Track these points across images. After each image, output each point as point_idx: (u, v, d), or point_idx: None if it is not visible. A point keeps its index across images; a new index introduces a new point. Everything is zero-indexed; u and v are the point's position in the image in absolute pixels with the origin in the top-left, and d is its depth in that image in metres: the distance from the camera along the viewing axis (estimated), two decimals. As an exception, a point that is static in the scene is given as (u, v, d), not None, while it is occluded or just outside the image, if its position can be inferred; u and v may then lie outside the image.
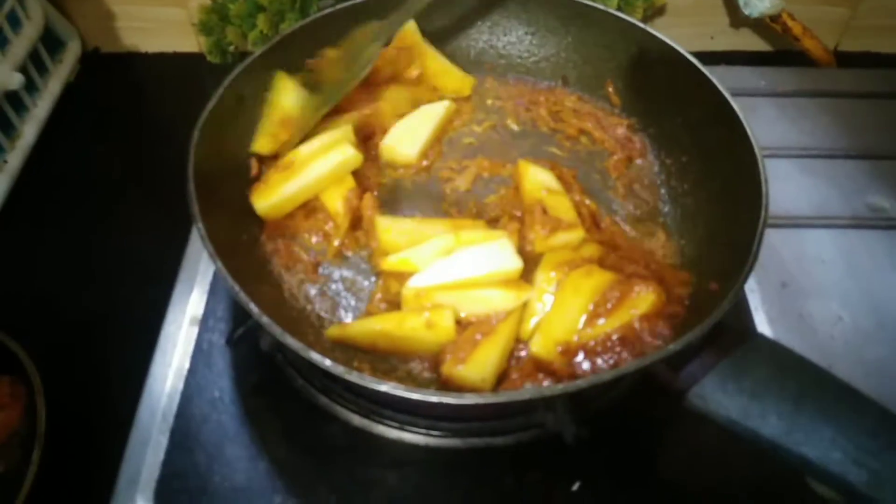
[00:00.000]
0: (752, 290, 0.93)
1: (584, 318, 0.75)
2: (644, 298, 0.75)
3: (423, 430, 0.79)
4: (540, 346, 0.74)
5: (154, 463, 0.78)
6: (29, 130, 1.12)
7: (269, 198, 0.85)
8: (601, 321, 0.74)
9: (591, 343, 0.74)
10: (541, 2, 1.00)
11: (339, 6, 0.96)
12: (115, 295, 0.96)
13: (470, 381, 0.71)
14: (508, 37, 1.04)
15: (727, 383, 0.64)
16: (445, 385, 0.73)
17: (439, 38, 1.03)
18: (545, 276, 0.79)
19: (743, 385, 0.63)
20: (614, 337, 0.74)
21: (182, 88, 1.26)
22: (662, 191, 0.93)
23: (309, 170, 0.85)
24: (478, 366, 0.71)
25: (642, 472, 0.80)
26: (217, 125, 0.82)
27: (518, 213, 0.86)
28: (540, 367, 0.74)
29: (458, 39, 1.05)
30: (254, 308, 0.66)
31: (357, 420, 0.80)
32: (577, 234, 0.82)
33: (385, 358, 0.77)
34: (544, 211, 0.83)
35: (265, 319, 0.65)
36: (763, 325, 0.90)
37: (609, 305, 0.75)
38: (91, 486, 0.79)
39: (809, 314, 0.92)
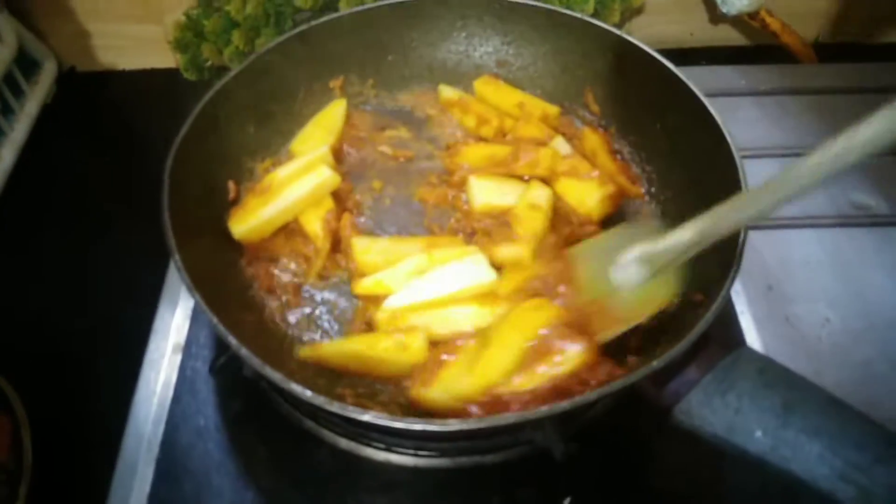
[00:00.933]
0: (738, 294, 0.92)
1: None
2: (569, 357, 0.69)
3: (411, 451, 0.78)
4: (437, 394, 0.70)
5: (141, 494, 0.77)
6: (7, 155, 1.10)
7: (247, 221, 0.84)
8: (517, 380, 0.68)
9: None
10: (516, 12, 0.99)
11: (314, 22, 0.95)
12: (99, 321, 0.95)
13: (440, 403, 0.70)
14: (485, 47, 1.03)
15: (712, 399, 0.63)
16: (415, 407, 0.72)
17: (413, 49, 1.02)
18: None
19: (728, 400, 0.63)
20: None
21: (161, 105, 1.25)
22: (646, 198, 0.92)
23: (287, 192, 0.84)
24: (444, 386, 0.70)
25: (633, 486, 0.79)
26: (192, 150, 0.81)
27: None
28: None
29: (433, 51, 1.03)
30: (233, 340, 0.65)
31: (344, 443, 0.79)
32: (516, 251, 0.81)
33: (368, 381, 0.77)
34: (507, 224, 0.83)
35: (244, 351, 0.65)
36: (749, 330, 0.89)
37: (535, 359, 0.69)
38: (79, 518, 0.78)
39: (796, 317, 0.92)
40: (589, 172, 0.90)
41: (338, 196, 0.89)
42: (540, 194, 0.88)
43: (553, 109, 0.98)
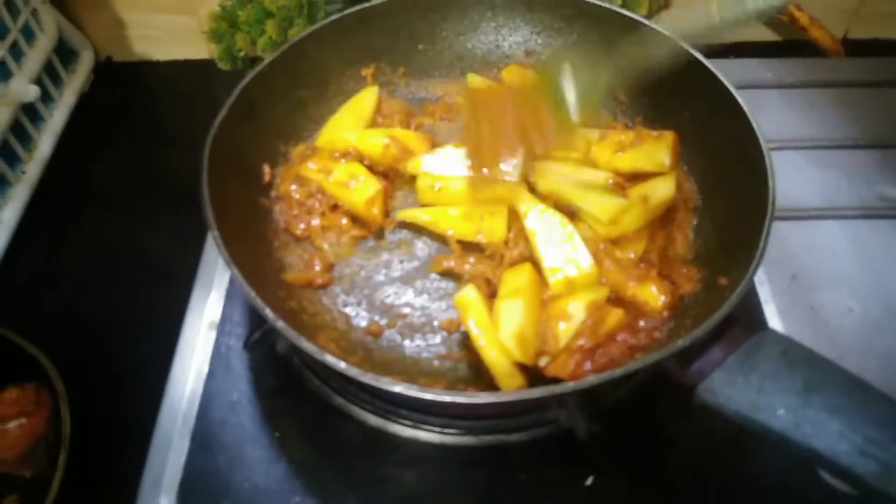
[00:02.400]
0: (762, 283, 0.93)
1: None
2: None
3: (438, 429, 0.80)
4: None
5: (176, 465, 0.80)
6: (46, 141, 1.13)
7: None
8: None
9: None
10: (545, 2, 1.01)
11: (346, 11, 0.97)
12: (135, 300, 0.97)
13: None
14: (514, 37, 1.05)
15: (736, 378, 0.64)
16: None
17: (444, 39, 1.05)
18: None
19: (751, 379, 0.64)
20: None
21: (195, 95, 1.27)
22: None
23: None
24: None
25: (655, 466, 0.81)
26: (229, 134, 0.84)
27: None
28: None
29: (463, 40, 1.05)
30: (269, 313, 0.67)
31: (373, 420, 0.81)
32: None
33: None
34: None
35: (280, 324, 0.67)
36: (773, 318, 0.90)
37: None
38: (116, 488, 0.81)
39: (820, 306, 0.92)
40: (634, 142, 0.90)
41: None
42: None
43: None
